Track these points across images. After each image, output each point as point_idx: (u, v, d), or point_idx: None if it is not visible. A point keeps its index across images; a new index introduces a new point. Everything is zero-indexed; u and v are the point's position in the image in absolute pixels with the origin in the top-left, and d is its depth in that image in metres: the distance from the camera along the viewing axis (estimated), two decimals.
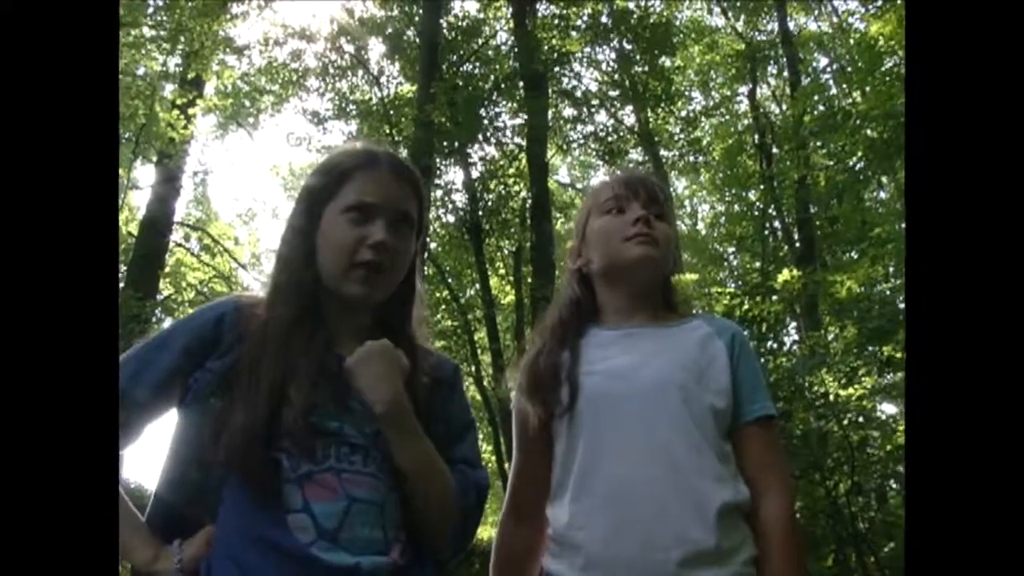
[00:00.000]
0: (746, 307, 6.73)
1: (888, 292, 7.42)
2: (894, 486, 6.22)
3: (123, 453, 1.31)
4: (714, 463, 1.45)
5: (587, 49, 12.99)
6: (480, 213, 10.91)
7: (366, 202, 1.37)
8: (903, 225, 9.18)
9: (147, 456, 1.33)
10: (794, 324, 10.12)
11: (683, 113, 13.98)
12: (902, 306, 5.89)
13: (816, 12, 15.98)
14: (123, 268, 9.74)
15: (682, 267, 12.83)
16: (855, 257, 10.84)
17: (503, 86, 11.19)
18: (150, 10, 9.36)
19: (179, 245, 12.74)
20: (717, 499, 1.41)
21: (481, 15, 12.69)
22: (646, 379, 1.51)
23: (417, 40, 11.37)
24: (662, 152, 14.25)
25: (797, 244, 12.46)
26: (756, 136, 13.48)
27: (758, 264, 12.38)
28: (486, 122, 11.04)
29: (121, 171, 10.75)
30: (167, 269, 11.78)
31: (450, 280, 12.11)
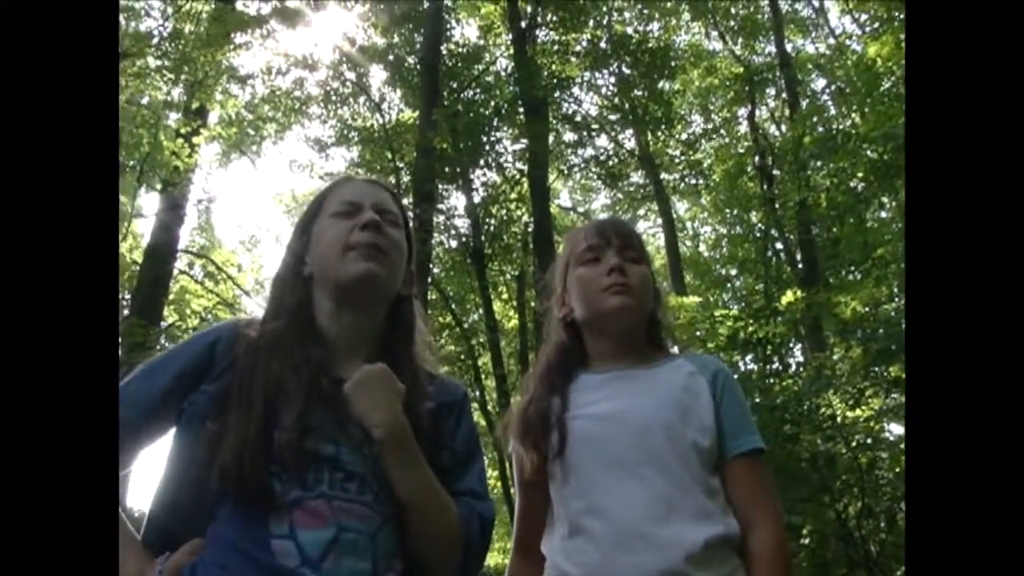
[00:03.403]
0: (751, 329, 6.73)
1: (893, 312, 7.40)
2: (904, 508, 6.17)
3: (120, 474, 1.30)
4: (700, 499, 1.50)
5: (587, 74, 13.11)
6: (482, 238, 10.95)
7: (350, 201, 1.44)
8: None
9: (147, 482, 1.32)
10: (799, 346, 10.10)
11: (683, 136, 14.10)
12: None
13: (813, 34, 16.13)
14: (128, 296, 9.75)
15: (686, 291, 12.83)
16: (858, 278, 10.83)
17: (504, 112, 11.27)
18: (155, 40, 9.45)
19: (183, 272, 12.75)
20: (703, 533, 1.45)
21: (481, 42, 12.81)
22: (632, 421, 1.56)
23: (418, 67, 11.46)
24: (663, 175, 14.32)
25: (800, 265, 12.46)
26: (756, 158, 13.52)
27: (761, 286, 12.37)
28: (487, 148, 11.11)
29: (126, 199, 10.80)
30: (171, 296, 11.79)
31: (453, 305, 12.11)
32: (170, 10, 9.83)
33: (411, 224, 1.54)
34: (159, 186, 10.70)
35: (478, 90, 11.90)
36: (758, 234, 13.92)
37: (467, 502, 1.34)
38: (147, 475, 1.34)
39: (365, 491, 1.25)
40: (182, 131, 10.26)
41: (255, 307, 14.05)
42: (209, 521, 1.23)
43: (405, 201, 1.62)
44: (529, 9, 11.93)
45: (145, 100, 10.12)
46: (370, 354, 1.36)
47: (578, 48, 12.36)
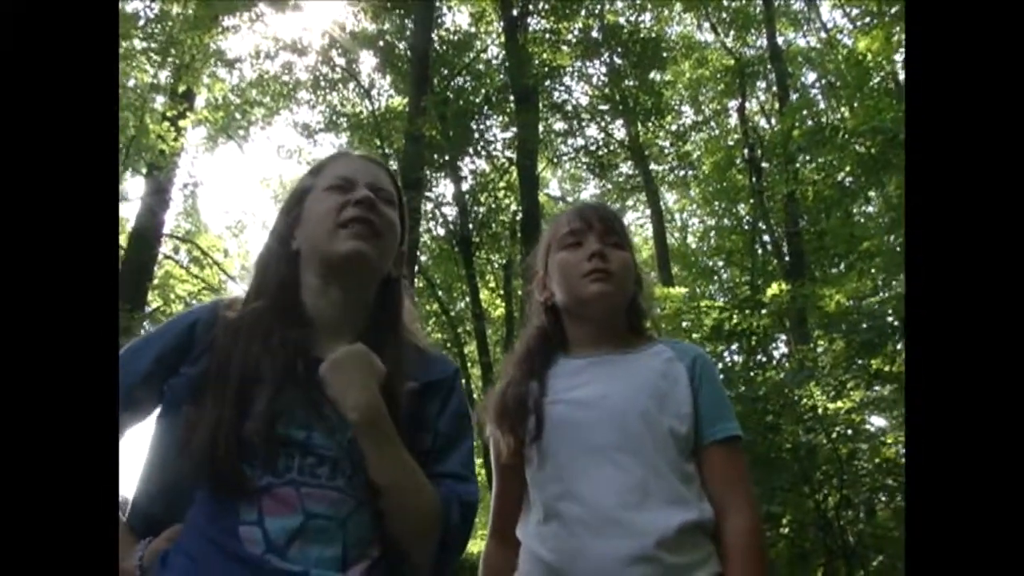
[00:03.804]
0: (735, 321, 6.76)
1: (876, 305, 7.45)
2: (883, 499, 6.24)
3: None
4: (675, 485, 1.50)
5: (578, 63, 13.09)
6: (470, 226, 10.95)
7: (344, 175, 1.41)
8: (890, 239, 9.24)
9: (132, 469, 1.32)
10: (783, 337, 10.14)
11: (673, 127, 14.11)
12: (890, 319, 5.92)
13: (804, 28, 16.15)
14: None
15: (673, 282, 12.87)
16: (843, 271, 10.90)
17: (494, 100, 11.26)
18: (141, 22, 9.36)
19: (168, 257, 12.68)
20: (676, 519, 1.46)
21: (472, 29, 12.77)
22: (609, 407, 1.56)
23: (408, 53, 11.41)
24: (652, 166, 14.34)
25: (786, 258, 12.52)
26: (746, 150, 13.56)
27: (747, 278, 12.43)
28: (477, 135, 11.10)
29: None
30: (156, 281, 11.73)
31: (440, 293, 12.10)
32: None
33: (405, 204, 1.51)
34: (144, 170, 10.61)
35: (468, 78, 11.87)
36: (746, 226, 13.97)
37: (447, 485, 1.30)
38: (131, 461, 1.34)
39: (336, 476, 1.23)
40: (168, 114, 10.18)
41: (241, 292, 13.99)
42: (188, 504, 1.22)
43: None
44: None
45: (131, 83, 10.02)
46: (356, 334, 1.33)
47: (569, 37, 12.34)
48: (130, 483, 1.31)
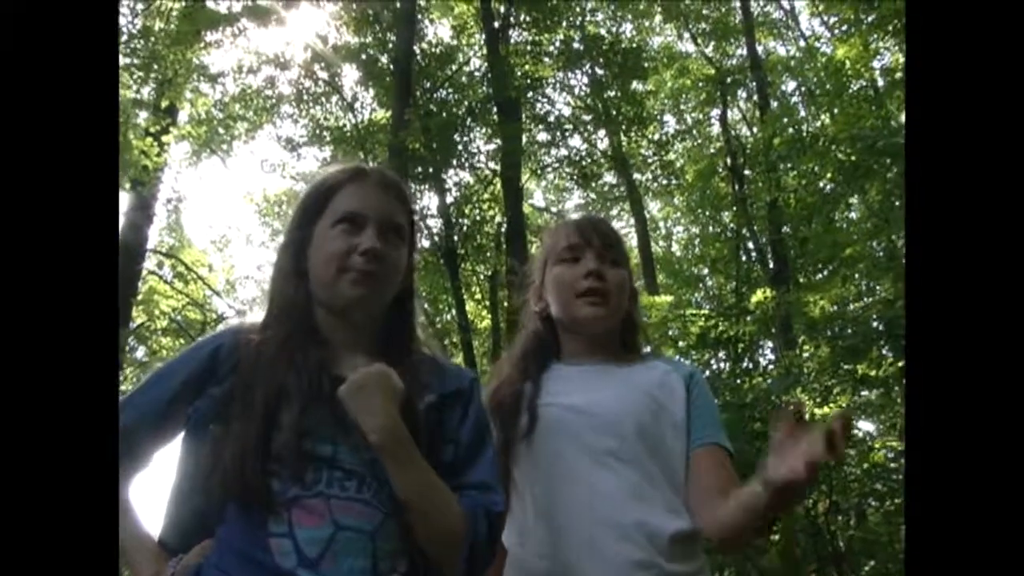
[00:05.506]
0: (721, 328, 6.79)
1: (860, 310, 7.51)
2: (872, 504, 6.27)
3: (135, 478, 1.34)
4: (668, 495, 1.51)
5: (560, 74, 13.13)
6: (455, 238, 10.92)
7: (355, 212, 1.39)
8: (873, 244, 9.31)
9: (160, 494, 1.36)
10: (769, 344, 10.19)
11: (656, 137, 14.14)
12: (875, 324, 5.96)
13: (784, 37, 16.30)
14: None
15: (658, 290, 12.90)
16: (827, 276, 10.97)
17: (477, 111, 11.25)
18: (124, 38, 9.32)
19: (152, 273, 12.60)
20: (669, 528, 1.46)
21: (454, 42, 12.78)
22: (603, 413, 1.56)
23: (391, 67, 11.41)
24: (635, 175, 14.38)
25: (770, 264, 12.58)
26: (728, 159, 13.64)
27: (732, 285, 12.48)
28: (460, 148, 11.09)
29: None
30: (140, 297, 11.65)
31: (426, 305, 12.07)
32: (139, 7, 9.71)
33: (415, 221, 1.51)
34: (128, 185, 10.54)
35: (451, 90, 11.87)
36: (730, 234, 14.03)
37: (472, 497, 1.31)
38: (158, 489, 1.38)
39: (364, 489, 1.25)
40: (151, 130, 10.13)
41: (226, 307, 13.91)
42: (219, 522, 1.24)
43: None
44: (502, 9, 11.92)
45: None
46: (371, 349, 1.36)
47: (551, 48, 12.37)
48: (159, 511, 1.34)
